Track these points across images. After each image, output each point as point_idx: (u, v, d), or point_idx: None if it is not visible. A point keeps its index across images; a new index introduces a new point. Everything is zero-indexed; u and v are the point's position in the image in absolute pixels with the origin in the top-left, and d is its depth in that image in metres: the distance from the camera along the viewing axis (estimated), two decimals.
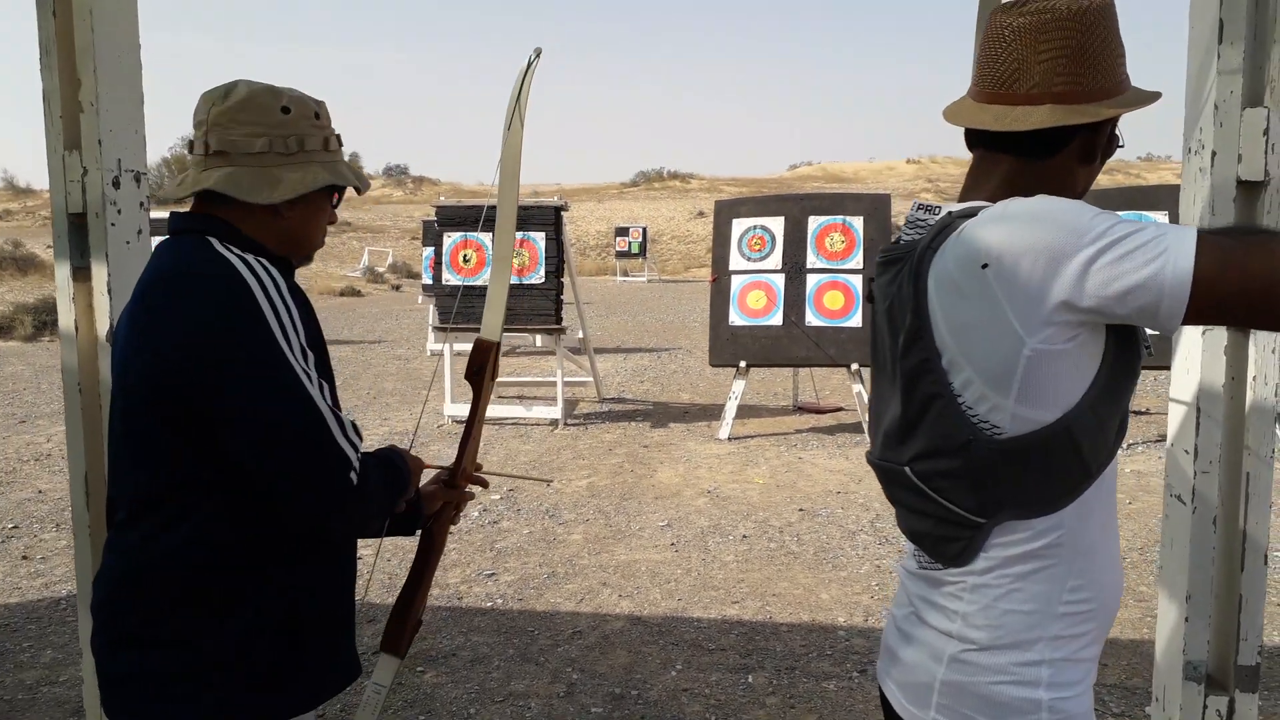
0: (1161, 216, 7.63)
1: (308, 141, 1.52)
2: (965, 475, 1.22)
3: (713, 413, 8.82)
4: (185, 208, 1.54)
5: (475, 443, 1.87)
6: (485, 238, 8.72)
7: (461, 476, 1.86)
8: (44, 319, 14.82)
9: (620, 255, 31.54)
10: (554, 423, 8.52)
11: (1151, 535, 5.25)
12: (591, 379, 9.77)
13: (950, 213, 1.27)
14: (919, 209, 1.34)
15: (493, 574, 4.82)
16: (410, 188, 57.86)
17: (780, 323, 8.07)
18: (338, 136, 1.59)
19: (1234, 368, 1.85)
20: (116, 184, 2.08)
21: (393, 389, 10.50)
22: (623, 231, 31.34)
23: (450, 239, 8.79)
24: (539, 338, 11.94)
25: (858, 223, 8.21)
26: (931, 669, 1.26)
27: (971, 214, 1.23)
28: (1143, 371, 1.35)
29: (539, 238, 8.52)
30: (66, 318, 2.17)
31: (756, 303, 8.18)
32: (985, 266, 1.16)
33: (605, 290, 27.12)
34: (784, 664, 3.75)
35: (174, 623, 1.42)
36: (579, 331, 9.78)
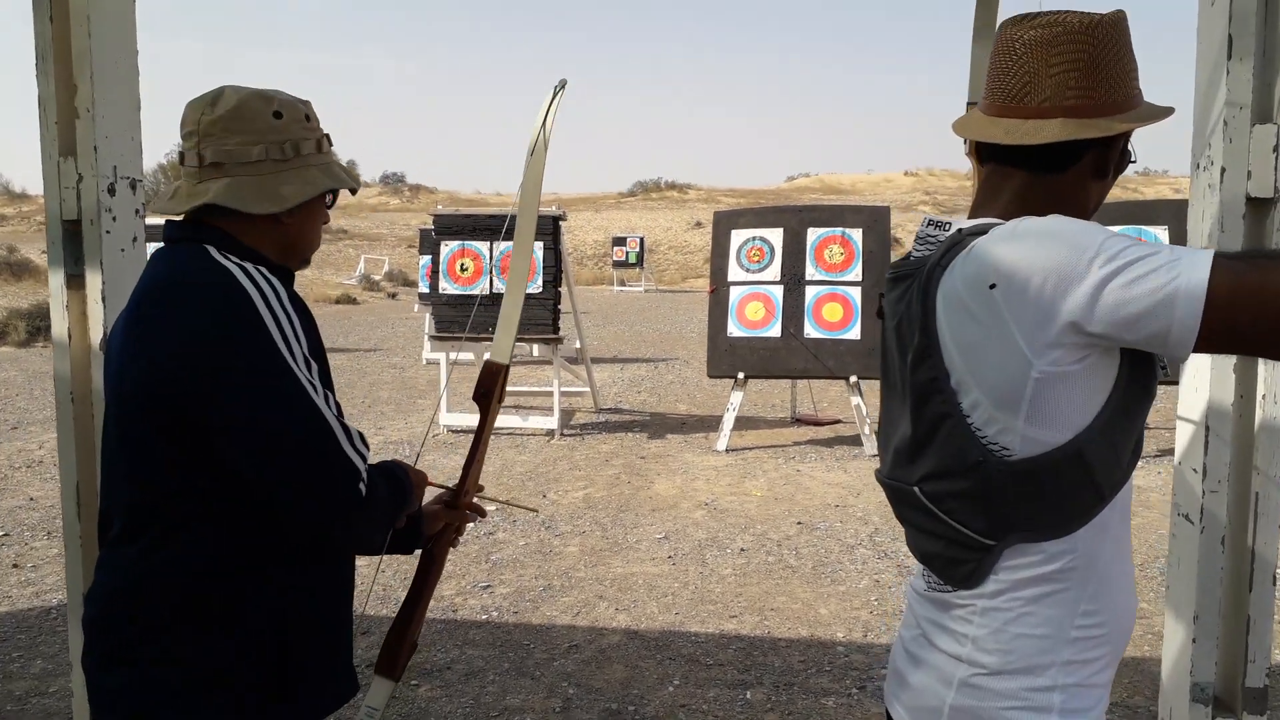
0: (1161, 231, 7.62)
1: (303, 146, 1.50)
2: (975, 497, 1.20)
3: (710, 424, 8.79)
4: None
5: (479, 465, 1.84)
6: (483, 247, 8.71)
7: (464, 498, 1.83)
8: (38, 324, 14.76)
9: (617, 265, 31.56)
10: (550, 433, 8.48)
11: (1151, 551, 5.23)
12: (588, 389, 9.74)
13: (961, 229, 1.25)
14: (929, 224, 1.32)
15: (488, 586, 4.78)
16: (407, 196, 57.89)
17: (779, 334, 8.06)
18: (328, 136, 1.57)
19: (1243, 386, 1.83)
20: (112, 191, 2.06)
21: (388, 398, 10.47)
22: (620, 241, 31.37)
23: (447, 248, 8.77)
24: (536, 347, 11.91)
25: (857, 235, 8.20)
26: (941, 693, 1.24)
27: (982, 231, 1.20)
28: None
29: (536, 247, 8.50)
30: (60, 325, 2.14)
31: (755, 314, 8.17)
32: (993, 286, 1.14)
33: (602, 300, 27.11)
34: (782, 680, 3.72)
35: (169, 638, 1.39)
36: (576, 341, 9.76)
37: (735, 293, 8.26)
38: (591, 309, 22.25)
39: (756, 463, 7.47)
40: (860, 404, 7.79)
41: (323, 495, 1.35)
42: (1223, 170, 1.77)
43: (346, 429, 1.39)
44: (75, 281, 2.12)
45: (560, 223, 8.71)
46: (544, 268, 8.49)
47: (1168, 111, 1.29)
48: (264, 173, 1.46)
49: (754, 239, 8.41)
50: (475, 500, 1.89)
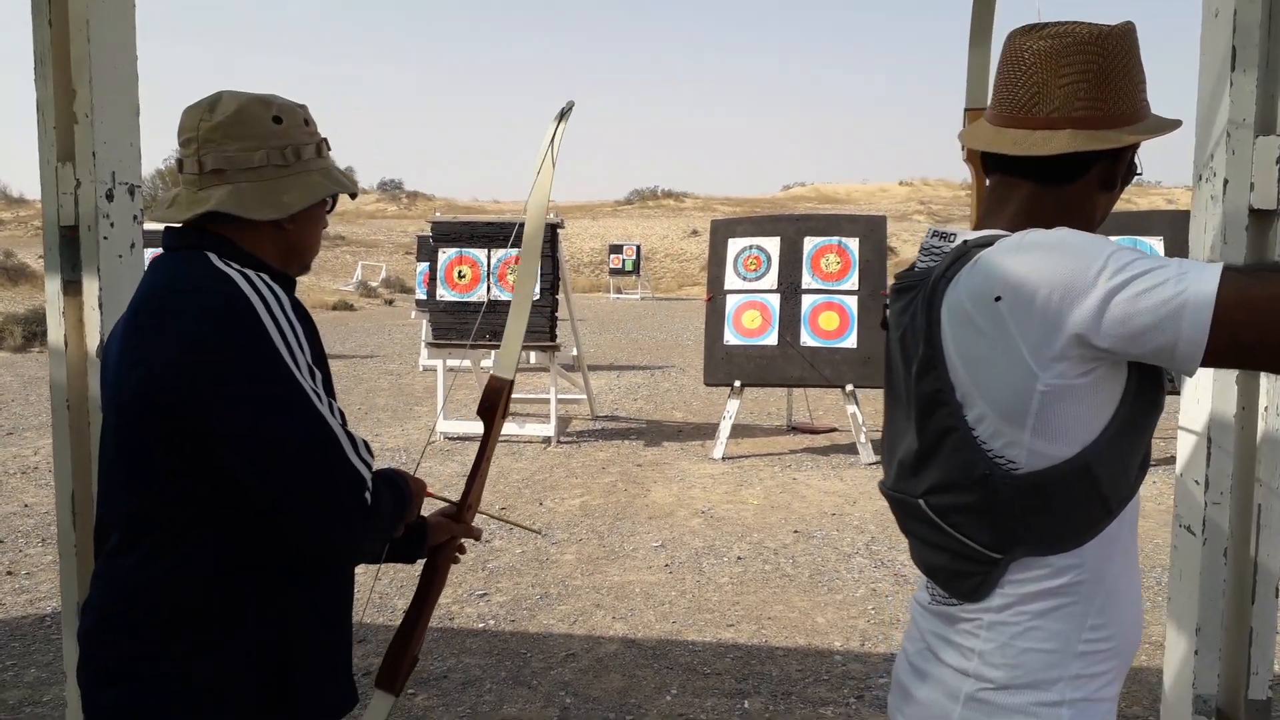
0: (1156, 242, 7.65)
1: (303, 151, 1.49)
2: (981, 510, 1.19)
3: (706, 432, 8.78)
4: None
5: (483, 479, 1.83)
6: (480, 254, 8.70)
7: (467, 513, 1.82)
8: (34, 330, 14.72)
9: (614, 273, 31.55)
10: (547, 440, 8.47)
11: (1147, 560, 5.22)
12: (585, 396, 9.72)
13: (966, 241, 1.24)
14: (934, 235, 1.31)
15: (485, 594, 4.76)
16: (404, 203, 57.88)
17: (775, 342, 8.06)
18: (326, 140, 1.56)
19: (1245, 397, 1.83)
20: (110, 196, 2.05)
21: (384, 404, 10.44)
22: (616, 249, 31.37)
23: (445, 255, 8.76)
24: (533, 354, 11.91)
25: (853, 244, 8.21)
26: (947, 708, 1.23)
27: (988, 243, 1.20)
28: None
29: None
30: (56, 332, 2.13)
31: (752, 322, 8.17)
32: (999, 299, 1.13)
33: (599, 307, 27.11)
34: (780, 689, 3.70)
35: (168, 651, 1.37)
36: (573, 348, 9.75)
37: (732, 301, 8.26)
38: (588, 316, 22.24)
39: (753, 471, 7.46)
40: (856, 412, 7.78)
41: (328, 504, 1.34)
42: (1225, 182, 1.76)
43: (351, 437, 1.38)
44: (72, 288, 2.10)
45: (558, 230, 8.71)
46: (541, 275, 8.48)
47: (1176, 124, 1.28)
48: (266, 178, 1.45)
49: (751, 247, 8.41)
50: (475, 520, 1.87)
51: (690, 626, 4.36)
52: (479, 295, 8.60)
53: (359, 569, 1.60)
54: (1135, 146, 1.28)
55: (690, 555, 5.39)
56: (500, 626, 4.36)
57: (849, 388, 7.81)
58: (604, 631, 4.30)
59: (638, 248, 31.27)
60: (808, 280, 8.19)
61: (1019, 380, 1.12)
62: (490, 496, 6.44)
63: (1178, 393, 1.93)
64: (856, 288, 8.07)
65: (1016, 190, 1.27)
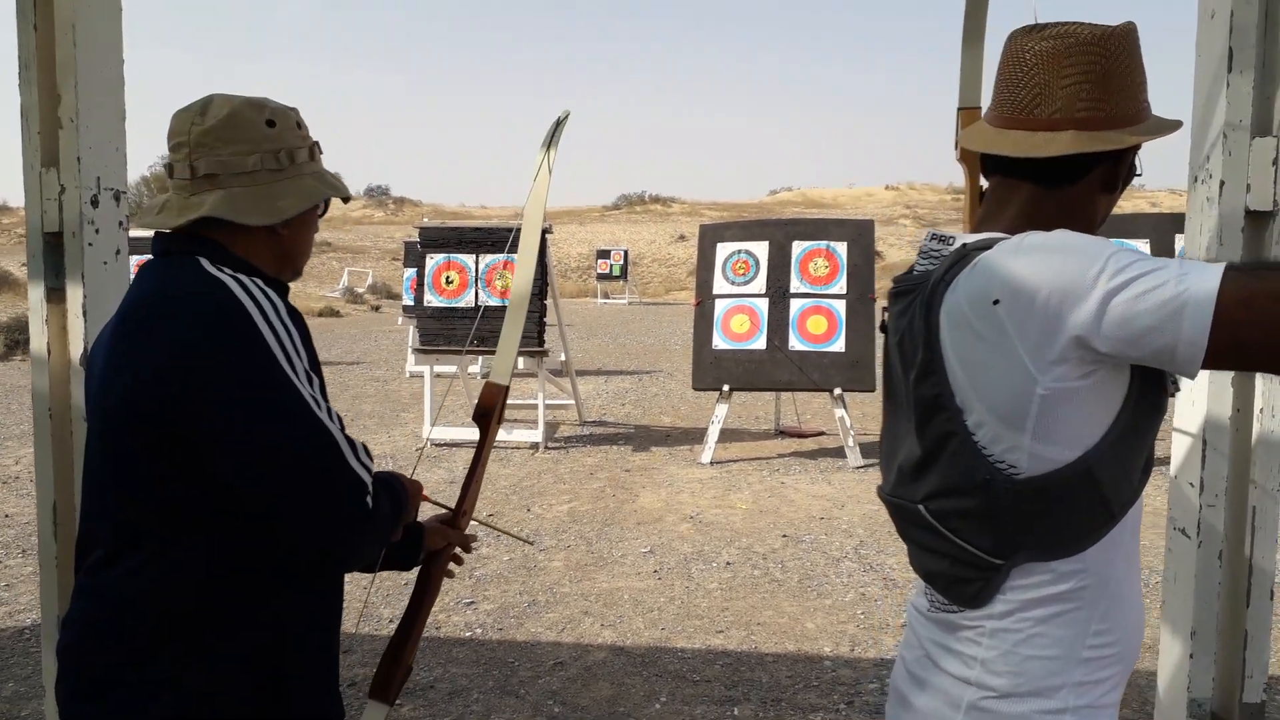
0: (1142, 245, 7.69)
1: (297, 154, 1.46)
2: (983, 515, 1.18)
3: (694, 436, 8.77)
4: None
5: (478, 485, 1.82)
6: (468, 260, 8.67)
7: (463, 519, 1.80)
8: (16, 337, 14.59)
9: (601, 278, 31.56)
10: (534, 446, 8.44)
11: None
12: (573, 401, 9.70)
13: (965, 244, 1.23)
14: (933, 239, 1.30)
15: (472, 602, 4.73)
16: (391, 208, 57.71)
17: (764, 347, 8.06)
18: (318, 144, 1.53)
19: (1240, 399, 1.83)
20: (95, 203, 2.02)
21: (371, 411, 10.39)
22: (604, 254, 31.38)
23: (433, 260, 8.72)
24: (520, 360, 11.88)
25: (841, 248, 8.23)
26: (949, 717, 1.21)
27: (987, 246, 1.18)
28: None
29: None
30: (39, 340, 2.10)
31: (740, 327, 8.17)
32: (997, 302, 1.12)
33: (586, 312, 27.09)
34: (770, 695, 3.69)
35: (157, 658, 1.34)
36: (561, 354, 9.73)
37: (720, 305, 8.26)
38: (576, 321, 22.21)
39: (741, 475, 7.45)
40: (844, 416, 7.78)
41: (329, 510, 1.32)
42: (1222, 183, 1.76)
43: (351, 441, 1.36)
44: (56, 295, 2.07)
45: (546, 235, 8.68)
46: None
47: (1177, 124, 1.28)
48: (260, 183, 1.42)
49: (739, 252, 8.41)
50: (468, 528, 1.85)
51: (679, 633, 4.34)
52: (467, 301, 8.57)
53: (345, 578, 1.57)
54: (1137, 148, 1.27)
55: (679, 561, 5.37)
56: (487, 635, 4.33)
57: (837, 391, 7.82)
58: (592, 639, 4.28)
59: (625, 253, 31.28)
60: (796, 284, 8.20)
61: (1018, 384, 1.11)
62: (478, 503, 6.40)
63: (1172, 395, 1.92)
64: (845, 292, 8.08)
65: (1017, 192, 1.26)
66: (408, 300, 12.87)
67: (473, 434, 1.83)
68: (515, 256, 1.94)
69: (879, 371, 7.42)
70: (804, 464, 7.85)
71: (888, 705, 1.38)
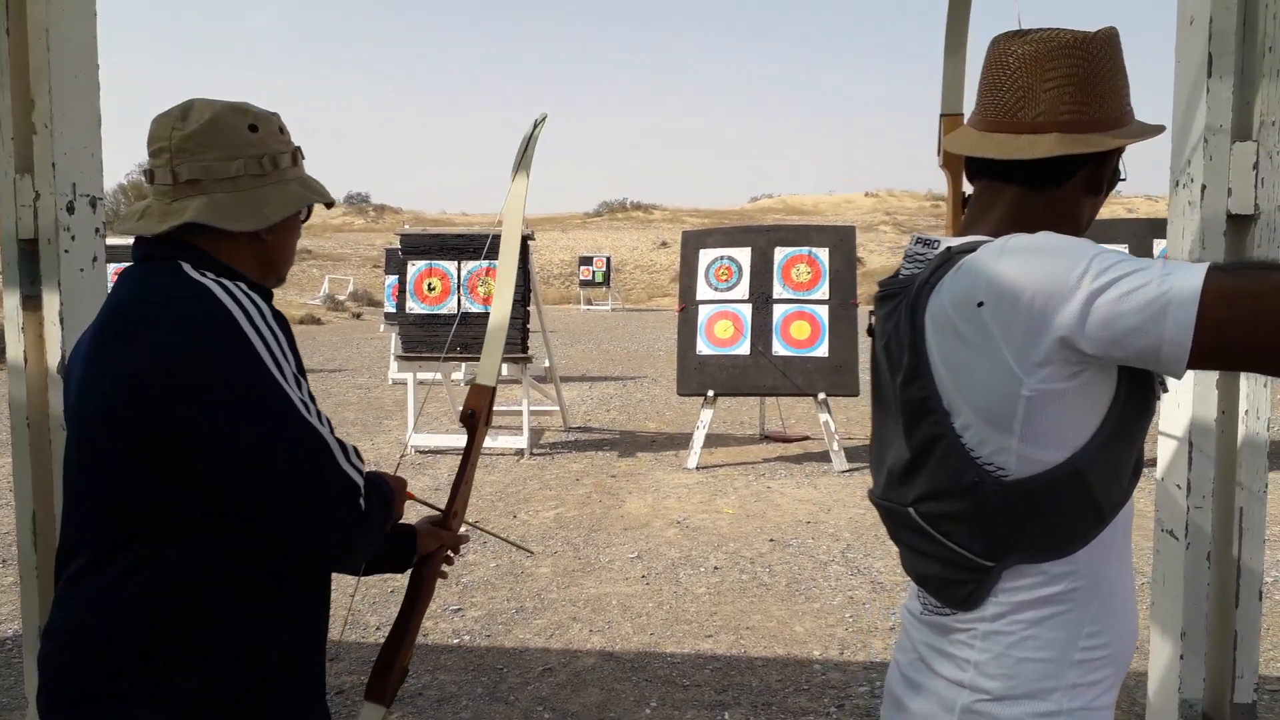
0: (1121, 250, 7.74)
1: (280, 159, 1.45)
2: (972, 518, 1.17)
3: (680, 442, 8.76)
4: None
5: (468, 486, 1.83)
6: (450, 266, 8.63)
7: (453, 520, 1.80)
8: None
9: (584, 284, 31.54)
10: (520, 452, 8.40)
11: None
12: (557, 408, 9.67)
13: (950, 248, 1.22)
14: (918, 242, 1.29)
15: (459, 609, 4.70)
16: (372, 216, 57.51)
17: (747, 352, 8.06)
18: (300, 149, 1.52)
19: (1225, 401, 1.83)
20: (71, 209, 1.99)
21: (354, 418, 10.32)
22: (586, 261, 31.37)
23: (414, 267, 8.68)
24: (505, 366, 11.86)
25: (823, 254, 8.25)
26: None
27: (971, 249, 1.18)
28: None
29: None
30: (15, 348, 2.07)
31: (724, 332, 8.17)
32: (981, 305, 1.11)
33: (569, 319, 27.06)
34: (760, 700, 3.68)
35: (148, 664, 1.31)
36: (545, 360, 9.70)
37: (704, 311, 8.26)
38: (559, 328, 22.18)
39: (727, 480, 7.44)
40: (829, 420, 7.80)
41: (322, 513, 1.31)
42: (1203, 188, 1.77)
43: (341, 444, 1.35)
44: (31, 303, 2.04)
45: (528, 242, 8.66)
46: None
47: (1159, 129, 1.28)
48: (243, 188, 1.40)
49: (722, 258, 8.42)
50: (462, 530, 1.86)
51: (668, 638, 4.32)
52: (449, 308, 8.53)
53: (332, 584, 1.56)
54: (1120, 151, 1.27)
55: (667, 566, 5.36)
56: (476, 642, 4.30)
57: (821, 396, 7.83)
58: (581, 645, 4.25)
59: (608, 259, 31.30)
60: (779, 290, 8.21)
61: (1003, 386, 1.11)
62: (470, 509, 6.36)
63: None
64: (827, 297, 8.10)
65: (1002, 195, 1.26)
66: (390, 307, 12.81)
67: (456, 441, 1.85)
68: (497, 263, 1.95)
69: (863, 376, 7.45)
70: (789, 469, 7.85)
71: (882, 709, 1.37)
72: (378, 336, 19.61)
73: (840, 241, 8.33)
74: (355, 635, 4.28)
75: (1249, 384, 1.82)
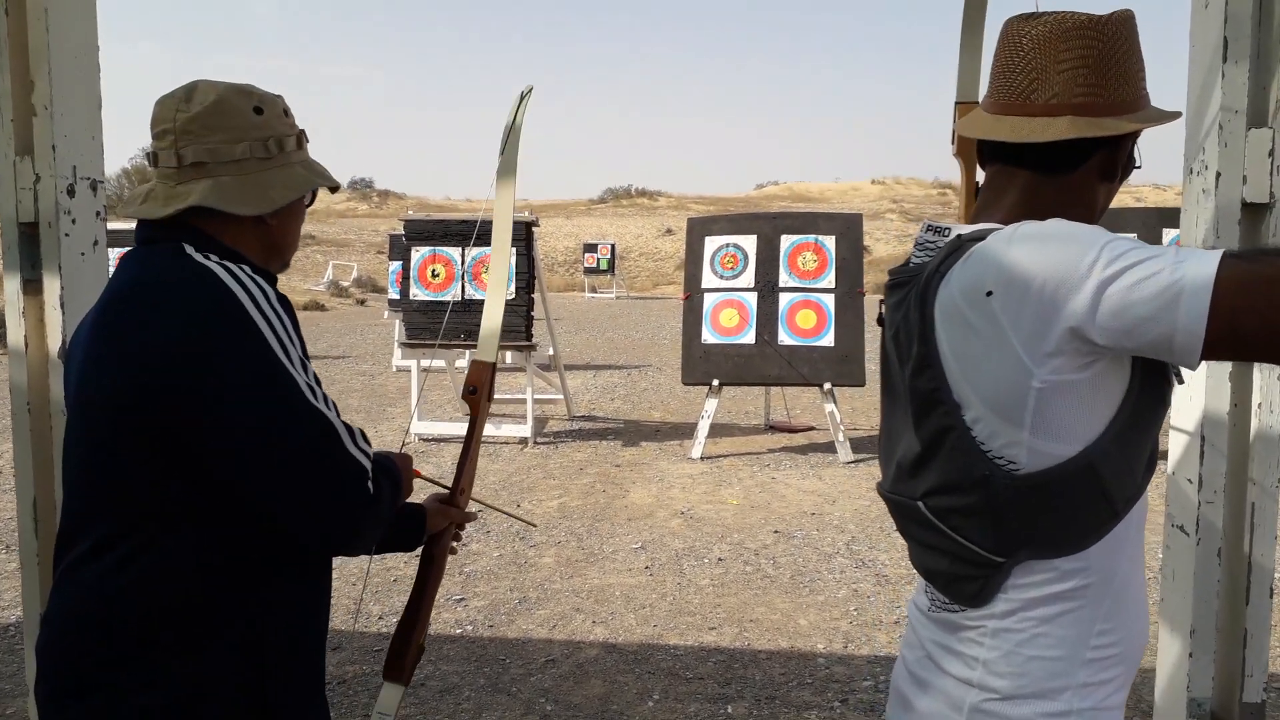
0: (1132, 238, 7.69)
1: (285, 142, 1.43)
2: (983, 512, 1.15)
3: (684, 431, 8.74)
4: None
5: (473, 463, 1.85)
6: (454, 252, 8.61)
7: (460, 497, 1.82)
8: (1, 330, 14.44)
9: (589, 271, 31.49)
10: (523, 441, 8.39)
11: None
12: (561, 396, 9.66)
13: (960, 235, 1.20)
14: (929, 230, 1.27)
15: (462, 599, 4.69)
16: (376, 201, 57.47)
17: (753, 341, 8.03)
18: (304, 132, 1.50)
19: (1238, 394, 1.81)
20: (71, 192, 1.97)
21: (358, 405, 10.32)
22: (591, 248, 31.31)
23: (418, 253, 8.66)
24: (509, 354, 11.83)
25: (830, 242, 8.21)
26: (950, 719, 1.18)
27: (981, 237, 1.16)
28: None
29: (510, 253, 8.41)
30: (15, 333, 2.05)
31: (729, 321, 8.14)
32: (990, 294, 1.09)
33: (574, 306, 27.03)
34: (763, 693, 3.66)
35: (146, 653, 1.30)
36: (549, 348, 9.68)
37: (709, 299, 8.23)
38: (563, 316, 22.16)
39: (732, 470, 7.43)
40: (834, 411, 7.77)
41: (332, 497, 1.30)
42: (1218, 175, 1.74)
43: (349, 428, 1.34)
44: (32, 287, 2.02)
45: (533, 229, 8.64)
46: (516, 274, 8.40)
47: (1175, 115, 1.25)
48: (248, 171, 1.39)
49: (728, 246, 8.38)
50: (469, 506, 1.89)
51: (671, 630, 4.31)
52: (453, 294, 8.51)
53: (334, 575, 1.54)
54: (1135, 136, 1.24)
55: (670, 557, 5.35)
56: (478, 632, 4.29)
57: (827, 386, 7.80)
58: (584, 636, 4.25)
59: (612, 246, 31.24)
60: (785, 278, 8.17)
61: (1013, 377, 1.08)
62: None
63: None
64: (833, 286, 8.06)
65: (1015, 180, 1.23)
66: (394, 294, 12.80)
67: (459, 429, 1.86)
68: (504, 249, 1.96)
69: (869, 366, 7.41)
70: (794, 459, 7.84)
71: (888, 706, 1.35)
72: (382, 323, 19.63)
73: (847, 229, 8.29)
74: (359, 625, 4.28)
75: (1263, 376, 1.80)
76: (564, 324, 19.56)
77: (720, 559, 5.31)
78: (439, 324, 8.36)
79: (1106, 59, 1.18)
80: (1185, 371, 1.19)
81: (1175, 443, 1.88)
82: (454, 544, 1.85)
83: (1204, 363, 1.78)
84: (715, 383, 7.95)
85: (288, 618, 1.39)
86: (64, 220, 1.96)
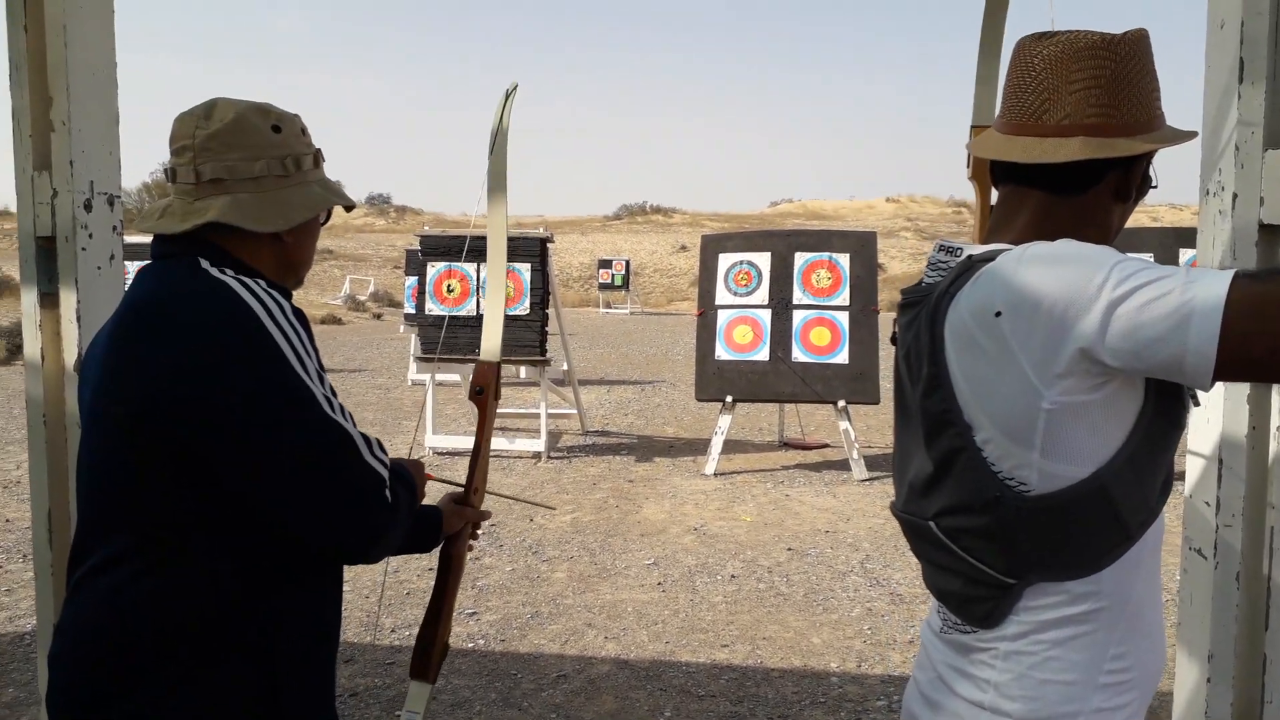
0: (1146, 259, 7.64)
1: (303, 161, 1.44)
2: (994, 533, 1.14)
3: (698, 447, 8.72)
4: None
5: (484, 462, 1.86)
6: (470, 268, 8.64)
7: (473, 496, 1.84)
8: (17, 343, 14.57)
9: (603, 287, 31.55)
10: (537, 455, 8.39)
11: None
12: (575, 411, 9.66)
13: (971, 256, 1.19)
14: (941, 250, 1.26)
15: (474, 613, 4.68)
16: (393, 217, 57.83)
17: (767, 358, 8.02)
18: (320, 151, 1.51)
19: (1257, 416, 1.78)
20: (88, 207, 1.99)
21: (373, 419, 10.35)
22: (606, 264, 31.37)
23: (434, 269, 8.69)
24: (523, 369, 11.85)
25: (844, 260, 8.19)
26: None
27: (991, 257, 1.15)
28: None
29: (524, 269, 8.45)
30: (32, 346, 2.07)
31: (743, 337, 8.13)
32: (999, 315, 1.08)
33: (588, 322, 27.07)
34: (776, 712, 3.63)
35: (163, 667, 1.30)
36: (563, 363, 9.69)
37: (723, 316, 8.22)
38: (578, 331, 22.19)
39: (745, 487, 7.40)
40: (848, 428, 7.73)
41: (351, 508, 1.31)
42: (1234, 196, 1.72)
43: (365, 437, 1.35)
44: (49, 300, 2.04)
45: (548, 245, 8.66)
46: (531, 289, 8.43)
47: (1190, 135, 1.24)
48: (265, 189, 1.40)
49: (741, 263, 8.38)
50: (486, 499, 1.91)
51: (684, 647, 4.29)
52: (469, 309, 8.54)
53: (346, 588, 1.55)
54: (1150, 156, 1.24)
55: (683, 573, 5.32)
56: (490, 646, 4.28)
57: (841, 404, 7.77)
58: (596, 652, 4.23)
59: (627, 263, 31.29)
60: (799, 296, 8.16)
61: (1023, 399, 1.07)
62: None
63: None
64: (848, 303, 8.04)
65: (1027, 200, 1.23)
66: (409, 308, 12.85)
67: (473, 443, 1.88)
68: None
69: (884, 384, 7.39)
70: (808, 476, 7.80)
71: None
72: (398, 337, 19.71)
73: (861, 247, 8.28)
74: (372, 638, 4.28)
75: None
76: (578, 339, 19.58)
77: (733, 576, 5.28)
78: (454, 339, 8.39)
79: (1119, 79, 1.17)
80: (1201, 394, 1.18)
81: (1192, 465, 1.86)
82: (470, 542, 1.88)
83: (1221, 385, 1.77)
84: (729, 399, 7.93)
85: (300, 627, 1.40)
86: (81, 235, 1.98)
